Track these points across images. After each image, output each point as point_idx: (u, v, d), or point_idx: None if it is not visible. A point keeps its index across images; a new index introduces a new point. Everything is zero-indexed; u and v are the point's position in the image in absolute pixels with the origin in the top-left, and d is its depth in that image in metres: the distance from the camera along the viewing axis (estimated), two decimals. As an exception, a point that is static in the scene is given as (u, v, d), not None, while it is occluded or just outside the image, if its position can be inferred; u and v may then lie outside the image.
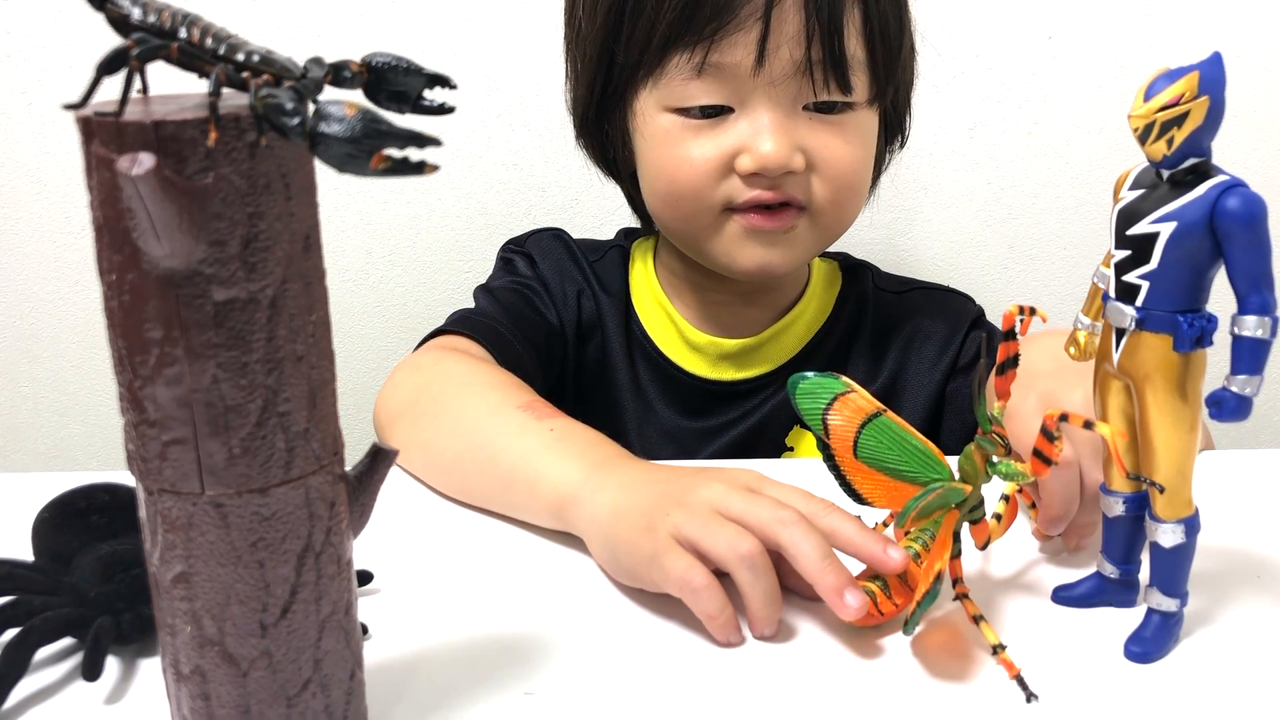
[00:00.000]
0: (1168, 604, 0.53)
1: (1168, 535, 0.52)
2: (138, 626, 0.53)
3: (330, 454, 0.42)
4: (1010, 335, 0.52)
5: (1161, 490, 0.51)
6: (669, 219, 0.85)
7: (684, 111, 0.79)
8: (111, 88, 0.38)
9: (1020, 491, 0.60)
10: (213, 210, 0.38)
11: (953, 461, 0.57)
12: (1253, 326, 0.47)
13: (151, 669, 0.53)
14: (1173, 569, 0.52)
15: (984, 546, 0.57)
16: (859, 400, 0.59)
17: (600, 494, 0.62)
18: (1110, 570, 0.56)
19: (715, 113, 0.79)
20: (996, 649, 0.52)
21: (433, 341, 0.85)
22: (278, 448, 0.41)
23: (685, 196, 0.81)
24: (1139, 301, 0.50)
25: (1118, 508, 0.55)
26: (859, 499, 0.60)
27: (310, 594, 0.43)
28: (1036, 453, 0.50)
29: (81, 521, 0.54)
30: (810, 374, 0.60)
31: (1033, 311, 0.53)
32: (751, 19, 0.75)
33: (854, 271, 0.96)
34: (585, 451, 0.66)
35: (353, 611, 0.45)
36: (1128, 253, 0.50)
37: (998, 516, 0.57)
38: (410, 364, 0.81)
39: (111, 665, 0.53)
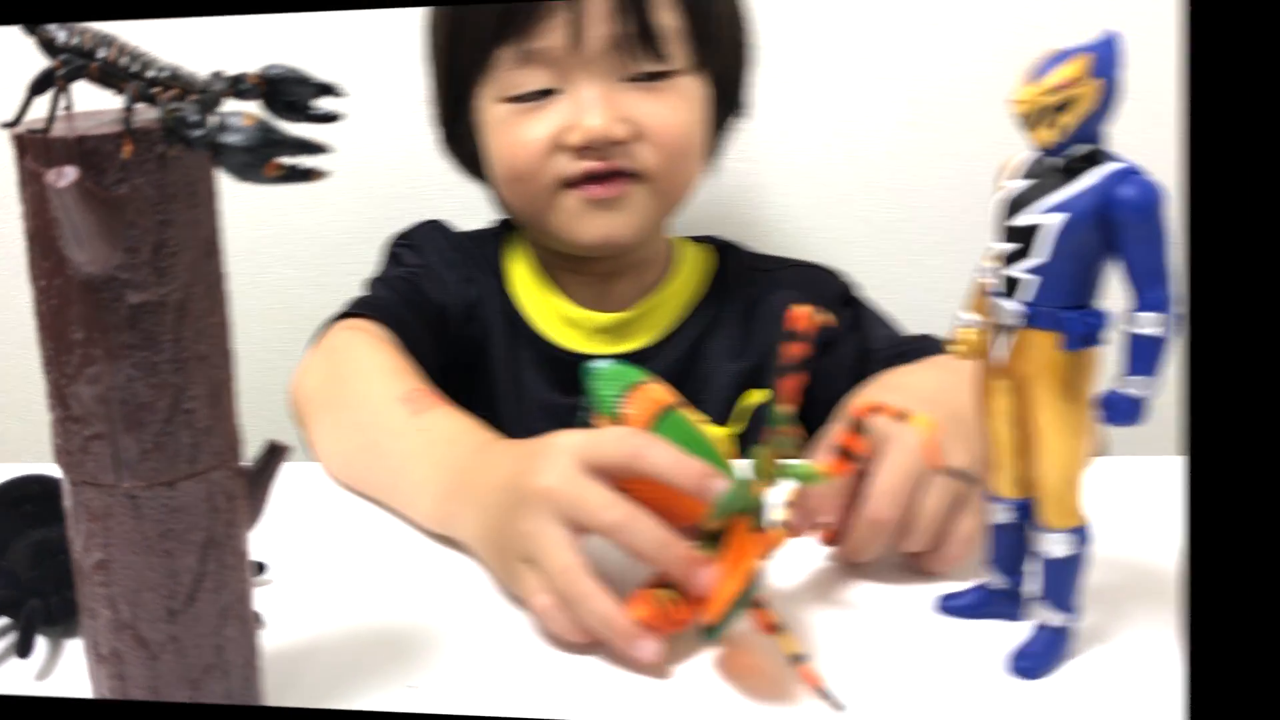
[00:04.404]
0: (1056, 618, 0.51)
1: (1056, 546, 0.50)
2: (65, 609, 0.55)
3: (230, 450, 0.45)
4: (800, 336, 0.48)
5: None
6: (513, 200, 0.89)
7: (516, 100, 0.84)
8: (44, 106, 0.40)
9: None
10: (128, 218, 0.40)
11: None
12: (1149, 324, 0.44)
13: (78, 649, 0.55)
14: (1061, 581, 0.50)
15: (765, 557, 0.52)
16: (655, 393, 0.58)
17: (462, 526, 0.64)
18: (997, 581, 0.54)
19: (544, 95, 0.84)
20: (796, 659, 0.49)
21: (339, 324, 0.86)
22: (183, 443, 0.43)
23: (523, 176, 0.85)
24: (1025, 297, 0.47)
25: (1001, 514, 0.53)
26: None
27: (212, 583, 0.45)
28: (839, 449, 0.46)
29: (15, 510, 0.57)
30: (608, 362, 0.60)
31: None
32: (562, 3, 0.80)
33: (725, 250, 0.98)
34: (445, 459, 0.67)
35: (250, 600, 0.48)
36: (1013, 245, 0.47)
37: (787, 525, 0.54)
38: (323, 348, 0.83)
39: (42, 645, 0.56)
